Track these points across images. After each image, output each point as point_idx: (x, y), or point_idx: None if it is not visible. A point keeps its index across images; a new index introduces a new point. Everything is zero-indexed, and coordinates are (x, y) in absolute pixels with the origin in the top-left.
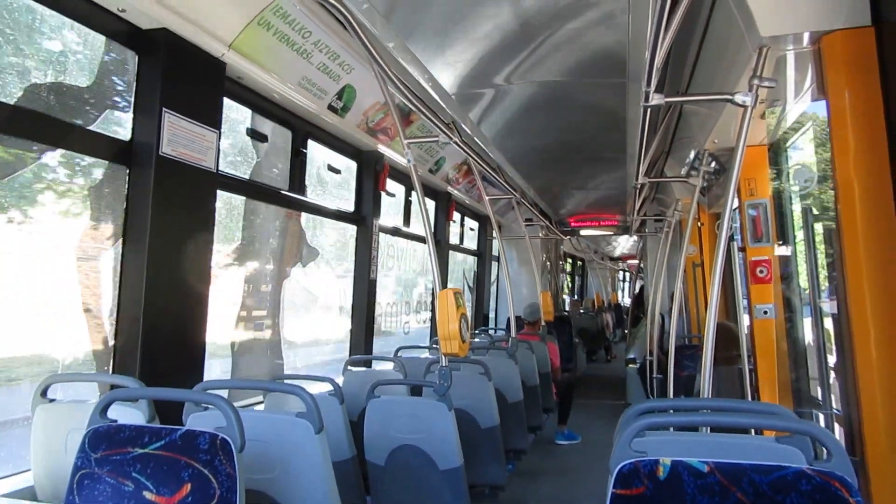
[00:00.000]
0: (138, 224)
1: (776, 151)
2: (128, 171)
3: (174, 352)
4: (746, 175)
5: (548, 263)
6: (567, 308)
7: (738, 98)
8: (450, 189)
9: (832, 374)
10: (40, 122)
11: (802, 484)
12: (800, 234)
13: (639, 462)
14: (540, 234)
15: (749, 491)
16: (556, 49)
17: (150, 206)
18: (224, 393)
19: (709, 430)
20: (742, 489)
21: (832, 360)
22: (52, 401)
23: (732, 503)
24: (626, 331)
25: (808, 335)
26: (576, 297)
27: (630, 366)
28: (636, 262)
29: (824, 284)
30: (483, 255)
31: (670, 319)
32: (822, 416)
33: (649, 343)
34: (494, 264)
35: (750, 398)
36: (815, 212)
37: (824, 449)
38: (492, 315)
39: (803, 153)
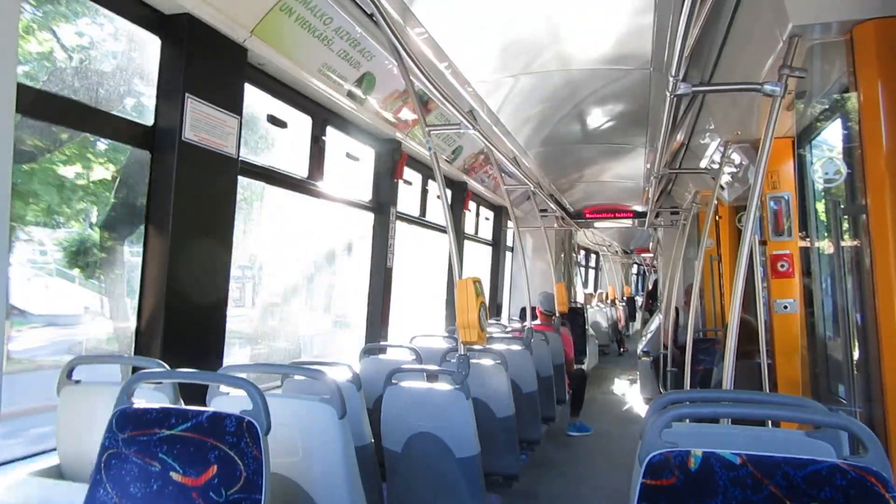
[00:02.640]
0: (161, 208)
1: (801, 143)
2: (150, 156)
3: (195, 335)
4: (769, 167)
5: (562, 255)
6: (581, 300)
7: (767, 88)
8: (466, 178)
9: (854, 372)
10: (65, 106)
11: (837, 478)
12: (824, 228)
13: (669, 453)
14: (555, 225)
15: (783, 484)
16: (580, 38)
17: (172, 190)
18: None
19: (730, 423)
20: (776, 482)
21: (855, 357)
22: (77, 382)
23: (765, 496)
24: (638, 324)
25: (829, 331)
26: (589, 289)
27: (643, 359)
28: (650, 255)
29: (849, 280)
30: (498, 245)
31: (685, 313)
32: (843, 414)
33: (663, 336)
34: (508, 254)
35: (767, 392)
36: (843, 205)
37: (849, 444)
38: (505, 305)
39: (831, 146)
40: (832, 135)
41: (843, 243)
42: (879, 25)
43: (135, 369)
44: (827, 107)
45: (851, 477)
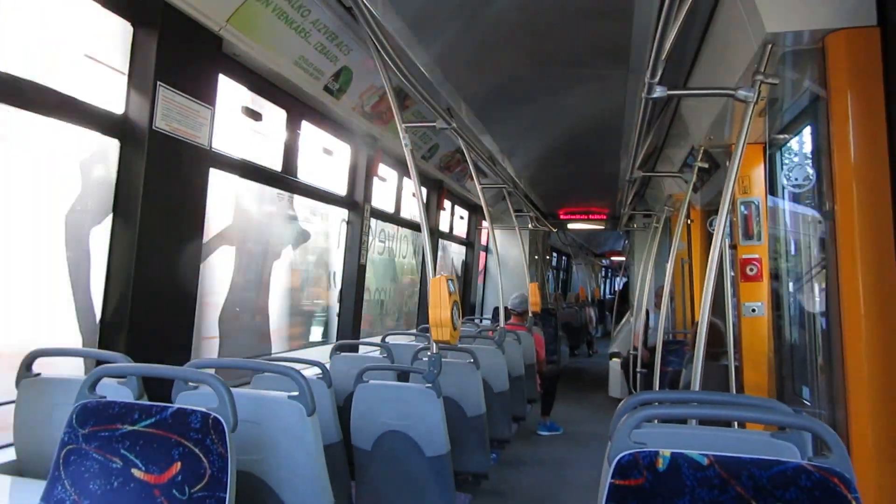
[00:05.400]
0: (129, 198)
1: (772, 149)
2: (119, 145)
3: (162, 329)
4: (741, 172)
5: (535, 256)
6: (551, 301)
7: (741, 94)
8: (442, 176)
9: (818, 375)
10: (30, 90)
11: (802, 479)
12: (792, 233)
13: (638, 453)
14: (529, 226)
15: (748, 485)
16: (559, 39)
17: (141, 180)
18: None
19: (696, 423)
20: (742, 483)
21: (819, 360)
22: (36, 375)
23: (732, 496)
24: (608, 326)
25: (795, 335)
26: (559, 290)
27: (613, 360)
28: (620, 258)
29: (815, 284)
30: (472, 244)
31: (655, 315)
32: (807, 416)
33: (633, 338)
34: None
35: (735, 394)
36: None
37: (812, 446)
38: (478, 304)
39: (801, 152)
40: (802, 141)
41: (810, 248)
42: (851, 35)
43: (99, 363)
44: (798, 114)
45: (815, 478)
